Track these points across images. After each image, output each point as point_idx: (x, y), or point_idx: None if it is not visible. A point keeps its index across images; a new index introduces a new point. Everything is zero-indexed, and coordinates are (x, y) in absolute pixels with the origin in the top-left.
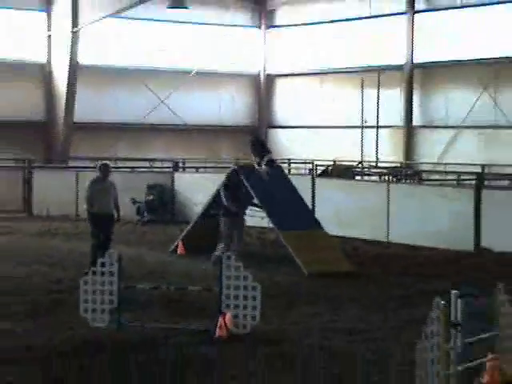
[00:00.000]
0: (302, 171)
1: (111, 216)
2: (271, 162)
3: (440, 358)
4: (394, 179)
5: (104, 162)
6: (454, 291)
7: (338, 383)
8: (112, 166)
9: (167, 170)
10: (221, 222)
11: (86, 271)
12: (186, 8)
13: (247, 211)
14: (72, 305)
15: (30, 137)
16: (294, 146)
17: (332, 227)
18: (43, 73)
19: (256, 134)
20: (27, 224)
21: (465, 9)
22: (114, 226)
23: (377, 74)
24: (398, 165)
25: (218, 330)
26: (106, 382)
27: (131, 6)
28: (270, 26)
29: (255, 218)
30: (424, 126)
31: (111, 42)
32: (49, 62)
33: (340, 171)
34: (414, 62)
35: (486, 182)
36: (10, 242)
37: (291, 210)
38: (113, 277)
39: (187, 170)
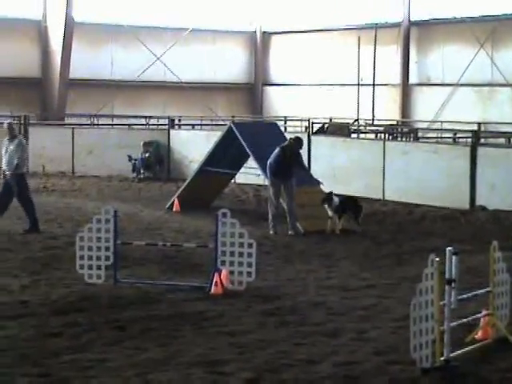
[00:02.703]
0: (298, 129)
1: (16, 175)
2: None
3: (434, 314)
4: (390, 137)
5: (9, 121)
6: (448, 248)
7: (332, 339)
8: (108, 122)
9: (163, 127)
10: (268, 183)
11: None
12: None
13: (242, 169)
14: (68, 261)
15: (26, 94)
16: (290, 104)
17: (328, 185)
18: (39, 29)
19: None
20: None
21: None
22: (20, 186)
23: (373, 32)
24: (394, 123)
25: (213, 286)
26: (101, 337)
27: None
28: None
29: (250, 175)
30: (420, 84)
31: None
32: (44, 18)
33: (336, 129)
34: (411, 19)
35: (481, 140)
36: None
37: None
38: (109, 233)
39: (183, 127)
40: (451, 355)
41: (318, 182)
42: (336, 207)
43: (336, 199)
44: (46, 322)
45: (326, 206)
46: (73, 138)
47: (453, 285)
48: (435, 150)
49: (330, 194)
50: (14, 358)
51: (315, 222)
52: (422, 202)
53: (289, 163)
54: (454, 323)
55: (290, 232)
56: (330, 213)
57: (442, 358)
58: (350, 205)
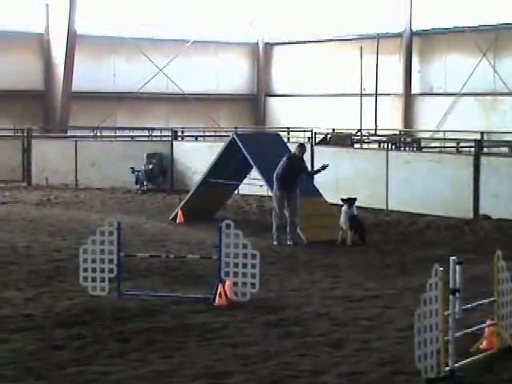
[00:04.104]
0: (301, 139)
1: None
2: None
3: (439, 324)
4: (393, 147)
5: None
6: (452, 257)
7: (337, 350)
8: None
9: (166, 138)
10: (273, 195)
11: None
12: None
13: (245, 180)
14: (72, 273)
15: (29, 106)
16: (293, 115)
17: (331, 195)
18: (41, 42)
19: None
20: (27, 193)
21: None
22: None
23: (375, 42)
24: (397, 132)
25: (217, 297)
26: (105, 349)
27: None
28: None
29: (254, 186)
30: (423, 94)
31: (109, 11)
32: (47, 31)
33: (339, 139)
34: (413, 29)
35: (484, 149)
36: (9, 212)
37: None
38: (112, 245)
39: (186, 138)
40: (456, 365)
41: (325, 166)
42: (351, 218)
43: (355, 211)
44: (50, 334)
45: (343, 210)
46: (76, 150)
47: (457, 294)
48: (438, 160)
49: (354, 199)
50: (18, 370)
51: (319, 232)
52: (425, 211)
53: (295, 172)
54: (459, 333)
55: (288, 242)
56: (342, 220)
57: (446, 368)
58: (357, 222)
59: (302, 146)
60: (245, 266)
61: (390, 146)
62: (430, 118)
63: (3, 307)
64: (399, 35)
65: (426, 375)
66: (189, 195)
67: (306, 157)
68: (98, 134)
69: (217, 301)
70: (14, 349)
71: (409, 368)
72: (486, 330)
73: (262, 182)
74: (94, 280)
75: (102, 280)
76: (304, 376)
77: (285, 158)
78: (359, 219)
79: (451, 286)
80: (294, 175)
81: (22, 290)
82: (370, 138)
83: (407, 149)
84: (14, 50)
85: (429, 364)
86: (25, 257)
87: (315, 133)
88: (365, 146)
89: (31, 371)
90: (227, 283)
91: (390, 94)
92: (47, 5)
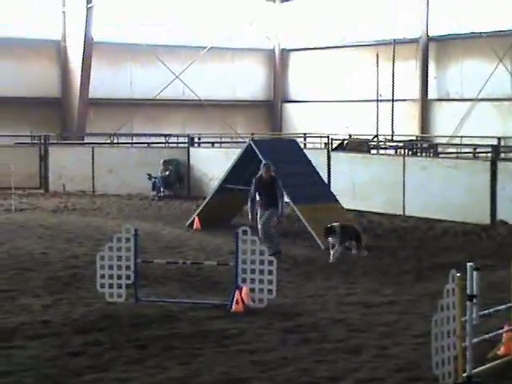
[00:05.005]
0: (318, 145)
1: None
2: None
3: (456, 330)
4: (410, 153)
5: None
6: (469, 263)
7: (354, 356)
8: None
9: (183, 145)
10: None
11: None
12: None
13: None
14: (89, 280)
15: (46, 113)
16: (310, 121)
17: (348, 201)
18: (58, 50)
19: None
20: (44, 200)
21: None
22: None
23: (392, 48)
24: (414, 138)
25: (234, 304)
26: (123, 356)
27: None
28: (284, 0)
29: None
30: (439, 99)
31: (125, 18)
32: (64, 38)
33: (355, 145)
34: (429, 34)
35: (501, 155)
36: (27, 219)
37: (307, 184)
38: (129, 252)
39: (202, 145)
40: (473, 371)
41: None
42: (341, 237)
43: (337, 229)
44: (67, 341)
45: (331, 238)
46: (93, 157)
47: (474, 300)
48: (455, 165)
49: (333, 227)
50: (36, 377)
51: None
52: (442, 217)
53: (267, 192)
54: (476, 339)
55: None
56: (332, 243)
57: (464, 375)
58: (350, 232)
59: (266, 167)
60: (262, 272)
61: (406, 152)
62: (446, 123)
63: (21, 314)
64: (415, 41)
65: (444, 381)
66: (205, 201)
67: (323, 162)
68: (115, 141)
69: (234, 307)
70: (31, 355)
71: (426, 374)
72: (504, 335)
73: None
74: (111, 286)
75: (119, 286)
76: (321, 382)
77: (253, 180)
78: (348, 229)
79: (468, 292)
80: (265, 195)
81: (40, 297)
82: (387, 143)
83: (424, 154)
84: (32, 58)
85: (446, 370)
86: (42, 263)
87: (332, 139)
88: (381, 151)
89: (49, 378)
90: (244, 289)
91: (406, 100)
92: (64, 12)
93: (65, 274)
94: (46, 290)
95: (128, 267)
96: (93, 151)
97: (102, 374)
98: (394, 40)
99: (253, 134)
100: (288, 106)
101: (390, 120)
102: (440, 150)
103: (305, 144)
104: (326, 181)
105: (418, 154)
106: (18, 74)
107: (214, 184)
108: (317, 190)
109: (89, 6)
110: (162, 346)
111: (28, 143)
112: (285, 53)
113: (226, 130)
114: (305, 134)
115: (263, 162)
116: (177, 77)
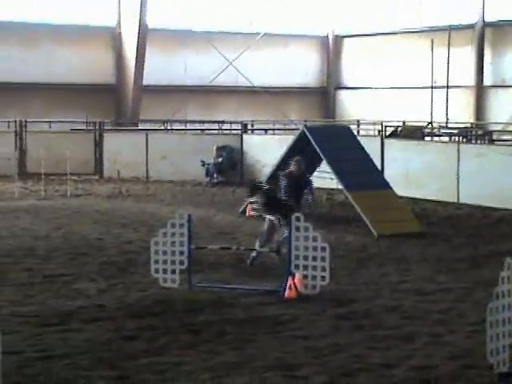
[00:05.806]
0: (371, 132)
1: None
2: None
3: (511, 319)
4: (464, 140)
5: None
6: None
7: (407, 344)
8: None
9: (236, 131)
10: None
11: None
12: None
13: (315, 173)
14: (143, 265)
15: (101, 100)
16: (363, 107)
17: (401, 188)
18: (113, 37)
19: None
20: (99, 186)
21: None
22: None
23: (447, 34)
24: (469, 125)
25: (287, 290)
26: (176, 341)
27: None
28: None
29: (324, 179)
30: (495, 86)
31: (179, 5)
32: (118, 25)
33: (409, 132)
34: (486, 20)
35: None
36: (82, 205)
37: (360, 171)
38: (183, 238)
39: (256, 131)
40: None
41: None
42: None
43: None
44: (122, 325)
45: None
46: (147, 143)
47: None
48: (510, 153)
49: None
50: (92, 360)
51: (389, 225)
52: (497, 205)
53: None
54: None
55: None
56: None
57: None
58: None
59: (298, 164)
60: (314, 258)
61: (461, 139)
62: (502, 110)
63: (77, 298)
64: (471, 26)
65: (498, 369)
66: None
67: (376, 149)
68: (169, 128)
69: (286, 293)
70: (87, 339)
71: (480, 362)
72: None
73: (332, 175)
74: (164, 272)
75: (173, 272)
76: (374, 369)
77: (284, 178)
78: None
79: None
80: (296, 192)
81: (95, 281)
82: (441, 130)
83: (479, 141)
84: (87, 44)
85: (501, 358)
86: (97, 248)
87: (385, 126)
88: (435, 138)
89: (104, 361)
90: (297, 276)
91: (461, 87)
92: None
93: (119, 259)
94: (101, 275)
95: (182, 253)
96: (147, 137)
97: (157, 358)
98: (450, 26)
99: (306, 120)
100: (341, 92)
101: (445, 107)
102: (495, 137)
103: (358, 131)
104: (379, 168)
105: (473, 141)
106: (74, 60)
107: (267, 171)
108: (370, 177)
109: None
110: (215, 331)
111: (83, 129)
112: (338, 39)
113: (278, 117)
114: (358, 120)
115: (296, 157)
116: (230, 63)
